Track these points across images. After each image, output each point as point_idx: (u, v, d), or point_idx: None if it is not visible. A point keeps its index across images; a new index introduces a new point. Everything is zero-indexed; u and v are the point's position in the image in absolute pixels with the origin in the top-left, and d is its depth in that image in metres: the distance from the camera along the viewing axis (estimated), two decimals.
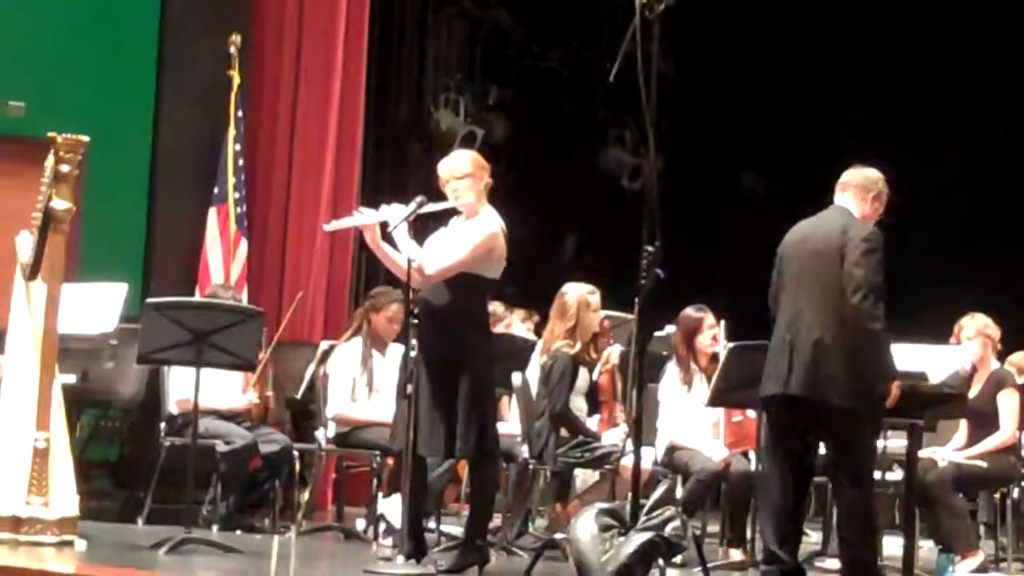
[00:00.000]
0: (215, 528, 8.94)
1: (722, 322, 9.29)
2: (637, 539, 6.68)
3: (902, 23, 13.17)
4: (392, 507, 8.99)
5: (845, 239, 7.28)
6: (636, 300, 7.12)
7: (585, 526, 6.85)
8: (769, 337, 8.58)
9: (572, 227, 14.86)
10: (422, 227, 7.91)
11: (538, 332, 9.87)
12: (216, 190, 11.17)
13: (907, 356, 7.94)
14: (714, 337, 9.17)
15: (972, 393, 8.99)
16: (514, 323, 11.07)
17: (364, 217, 7.78)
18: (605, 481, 9.24)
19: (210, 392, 8.72)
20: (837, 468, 7.37)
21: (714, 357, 9.06)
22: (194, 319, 8.11)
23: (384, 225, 7.68)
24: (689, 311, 9.27)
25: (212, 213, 11.14)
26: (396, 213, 7.65)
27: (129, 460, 10.42)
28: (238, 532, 8.94)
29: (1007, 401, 9.02)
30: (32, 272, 8.10)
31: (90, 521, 8.22)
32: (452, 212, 7.84)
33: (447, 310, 7.63)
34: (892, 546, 8.32)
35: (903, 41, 13.24)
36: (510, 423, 9.31)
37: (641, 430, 7.18)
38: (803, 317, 7.27)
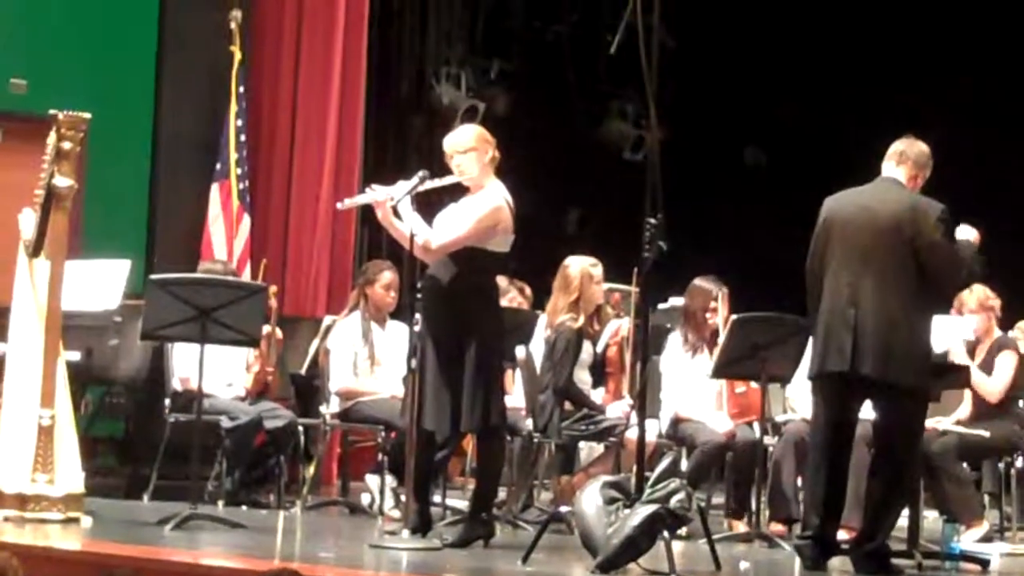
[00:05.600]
0: (220, 504, 8.95)
1: (720, 293, 9.20)
2: (642, 511, 6.68)
3: None
4: (375, 482, 9.07)
5: (916, 216, 7.11)
6: (638, 272, 7.09)
7: (590, 499, 6.86)
8: (771, 309, 8.62)
9: (574, 199, 14.83)
10: (434, 201, 7.91)
11: (537, 306, 9.85)
12: (218, 166, 11.18)
13: None
14: (713, 310, 9.11)
15: (976, 362, 8.98)
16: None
17: (375, 194, 7.79)
18: (609, 454, 9.24)
19: (213, 374, 8.74)
20: (891, 440, 7.27)
21: (713, 332, 9.02)
22: (198, 295, 8.10)
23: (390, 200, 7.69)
24: (706, 283, 9.15)
25: (215, 189, 11.15)
26: (404, 189, 7.65)
27: (134, 437, 10.41)
28: (243, 508, 8.96)
29: (1005, 360, 8.97)
30: (35, 249, 8.11)
31: (96, 498, 8.24)
32: (464, 187, 7.83)
33: (453, 285, 7.62)
34: None
35: (909, 16, 13.16)
36: (514, 396, 9.31)
37: (645, 402, 7.18)
38: (867, 293, 7.08)
